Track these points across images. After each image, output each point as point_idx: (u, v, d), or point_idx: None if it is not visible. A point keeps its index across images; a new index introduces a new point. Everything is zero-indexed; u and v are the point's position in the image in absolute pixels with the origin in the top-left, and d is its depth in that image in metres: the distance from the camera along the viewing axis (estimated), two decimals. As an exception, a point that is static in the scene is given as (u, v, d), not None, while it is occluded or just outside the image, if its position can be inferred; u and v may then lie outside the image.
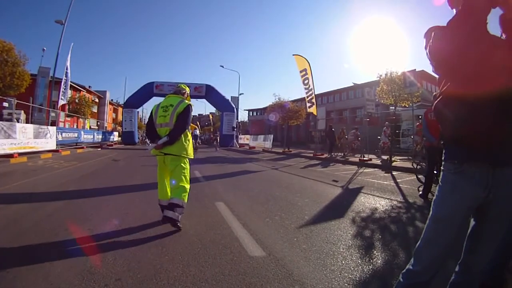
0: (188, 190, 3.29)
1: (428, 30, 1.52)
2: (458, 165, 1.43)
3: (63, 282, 1.96)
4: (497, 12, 1.36)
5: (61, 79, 17.65)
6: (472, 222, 1.54)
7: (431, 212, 1.55)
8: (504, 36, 1.42)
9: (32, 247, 2.57)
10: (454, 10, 1.45)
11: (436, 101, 1.51)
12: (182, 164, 3.25)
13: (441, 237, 1.50)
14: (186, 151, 3.27)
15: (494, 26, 1.37)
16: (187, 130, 3.33)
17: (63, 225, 3.15)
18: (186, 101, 3.35)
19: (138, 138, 29.55)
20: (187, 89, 3.62)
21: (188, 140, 3.35)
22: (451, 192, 1.48)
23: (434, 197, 1.55)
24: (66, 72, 17.84)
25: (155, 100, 28.45)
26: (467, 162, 1.40)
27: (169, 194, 3.29)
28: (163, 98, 3.50)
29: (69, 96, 33.17)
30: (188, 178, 3.34)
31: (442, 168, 1.54)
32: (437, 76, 1.56)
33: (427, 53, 1.47)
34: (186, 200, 3.23)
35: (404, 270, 1.63)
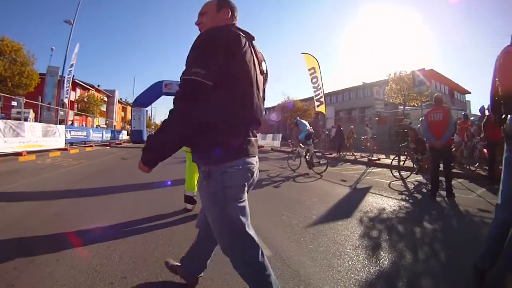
0: None
1: (507, 52, 1.38)
2: None
3: (69, 279, 1.97)
4: None
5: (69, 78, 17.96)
6: None
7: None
8: None
9: (38, 244, 2.59)
10: None
11: None
12: None
13: None
14: None
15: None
16: None
17: (70, 223, 3.17)
18: None
19: (147, 136, 29.69)
20: None
21: None
22: None
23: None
24: (70, 71, 18.04)
25: (164, 99, 28.57)
26: None
27: (195, 188, 3.85)
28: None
29: (78, 95, 33.63)
30: None
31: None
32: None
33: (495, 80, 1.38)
34: None
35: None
